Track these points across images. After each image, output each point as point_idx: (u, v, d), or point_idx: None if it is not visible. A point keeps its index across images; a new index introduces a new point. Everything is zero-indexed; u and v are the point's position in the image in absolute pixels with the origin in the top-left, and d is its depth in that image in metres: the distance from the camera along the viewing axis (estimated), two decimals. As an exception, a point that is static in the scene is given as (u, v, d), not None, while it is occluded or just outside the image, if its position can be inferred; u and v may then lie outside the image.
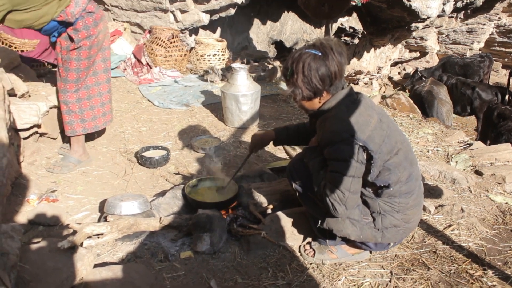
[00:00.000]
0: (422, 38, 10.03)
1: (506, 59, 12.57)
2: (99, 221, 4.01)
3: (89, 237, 3.53)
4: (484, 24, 11.56)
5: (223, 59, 9.12)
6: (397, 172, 3.14)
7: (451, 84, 9.23)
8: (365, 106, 3.12)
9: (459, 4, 10.52)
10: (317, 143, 3.33)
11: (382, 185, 3.15)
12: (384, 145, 3.07)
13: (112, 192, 4.60)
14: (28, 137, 4.96)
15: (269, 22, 12.28)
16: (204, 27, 10.28)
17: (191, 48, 9.26)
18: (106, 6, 9.55)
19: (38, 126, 5.00)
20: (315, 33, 13.13)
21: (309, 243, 3.68)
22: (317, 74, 3.04)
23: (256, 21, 12.10)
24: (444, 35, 10.56)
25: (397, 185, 3.17)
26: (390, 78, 9.98)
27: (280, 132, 4.03)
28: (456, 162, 5.37)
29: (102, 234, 3.54)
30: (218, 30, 10.78)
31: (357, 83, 9.13)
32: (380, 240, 3.31)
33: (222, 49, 9.11)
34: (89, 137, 5.65)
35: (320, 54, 3.04)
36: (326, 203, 3.08)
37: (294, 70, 3.09)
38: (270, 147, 4.61)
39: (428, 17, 9.84)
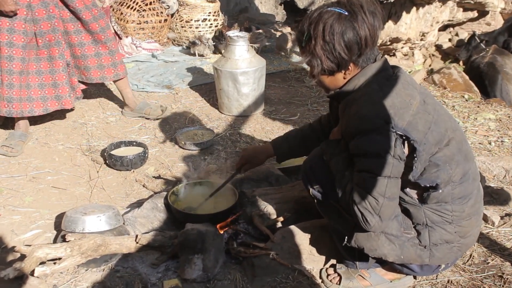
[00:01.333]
0: (480, -7, 9.99)
1: None
2: (55, 241, 4.02)
3: (43, 262, 3.53)
4: None
5: (216, 26, 9.12)
6: (448, 168, 3.11)
7: (522, 53, 9.19)
8: (404, 84, 3.11)
9: None
10: (340, 135, 3.34)
11: (428, 185, 3.12)
12: (431, 133, 3.05)
13: (71, 203, 4.61)
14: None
15: (276, -25, 12.28)
16: (190, -17, 10.28)
17: (174, 12, 9.26)
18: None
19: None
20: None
21: (333, 266, 3.69)
22: (342, 40, 3.02)
23: (259, -26, 12.10)
24: (510, -12, 10.51)
25: (448, 187, 3.14)
26: (438, 47, 9.92)
27: (279, 145, 4.08)
28: (528, 156, 5.38)
29: (59, 258, 3.54)
30: (209, -14, 10.78)
31: (394, 54, 9.07)
32: (428, 262, 3.29)
33: (215, 12, 9.11)
34: (41, 132, 5.68)
35: (346, 13, 3.02)
36: (354, 212, 3.07)
37: (312, 34, 3.06)
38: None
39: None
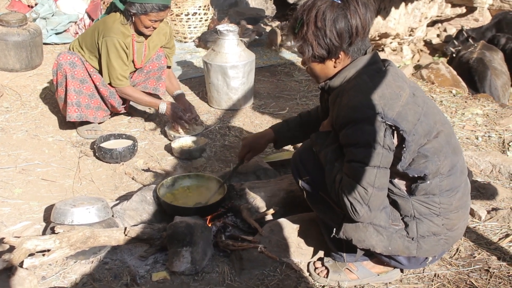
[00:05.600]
0: (469, -11, 10.00)
1: None
2: (44, 233, 4.01)
3: (31, 254, 3.51)
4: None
5: (206, 19, 9.10)
6: (436, 160, 3.13)
7: (510, 49, 9.17)
8: (394, 76, 3.13)
9: None
10: (330, 126, 3.34)
11: (417, 175, 3.13)
12: (420, 124, 3.07)
13: (61, 195, 4.61)
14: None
15: (266, -30, 12.24)
16: (181, -23, 10.24)
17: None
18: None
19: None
20: (328, -16, 13.06)
21: (320, 259, 3.69)
22: (334, 27, 3.04)
23: (249, -31, 12.06)
24: (498, -16, 10.51)
25: (436, 179, 3.15)
26: (426, 43, 9.94)
27: (279, 129, 4.10)
28: (515, 151, 5.39)
29: (48, 250, 3.52)
30: (199, -20, 10.75)
31: (383, 50, 9.06)
32: (415, 254, 3.30)
33: (205, 6, 9.08)
34: (31, 124, 5.68)
35: (339, 2, 3.05)
36: (344, 203, 3.07)
37: (305, 20, 3.09)
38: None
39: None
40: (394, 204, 3.24)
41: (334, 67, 3.21)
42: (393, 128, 2.99)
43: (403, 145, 3.03)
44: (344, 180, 3.07)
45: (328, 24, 3.03)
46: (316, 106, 4.10)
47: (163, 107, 5.50)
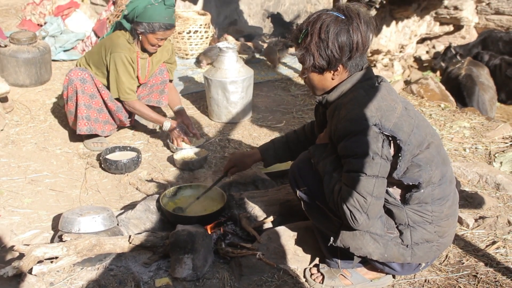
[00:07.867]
0: (456, 8, 9.99)
1: None
2: (52, 241, 3.99)
3: (40, 261, 3.51)
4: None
5: (207, 37, 9.11)
6: (429, 169, 3.14)
7: (494, 65, 9.20)
8: (388, 90, 3.16)
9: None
10: (327, 139, 3.34)
11: (411, 183, 3.14)
12: (413, 135, 3.08)
13: (68, 204, 4.59)
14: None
15: (264, -10, 12.27)
16: (182, -3, 10.26)
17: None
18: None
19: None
20: (321, 4, 13.13)
21: (316, 265, 3.68)
22: (336, 40, 3.07)
23: (248, -11, 12.09)
24: (484, 4, 10.50)
25: (428, 187, 3.17)
26: (416, 59, 9.97)
27: (265, 150, 4.11)
28: (501, 162, 5.38)
29: (56, 257, 3.52)
30: (200, 0, 10.76)
31: (375, 66, 9.07)
32: (410, 260, 3.29)
33: (206, 24, 9.09)
34: (40, 137, 5.67)
35: (343, 17, 3.09)
36: (343, 211, 3.06)
37: (309, 31, 3.12)
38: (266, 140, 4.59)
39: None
40: (389, 213, 3.25)
41: (332, 79, 3.23)
42: (390, 138, 3.01)
43: (399, 154, 3.04)
44: (343, 190, 3.07)
45: (331, 37, 3.06)
46: (302, 125, 4.11)
47: (167, 125, 5.52)
